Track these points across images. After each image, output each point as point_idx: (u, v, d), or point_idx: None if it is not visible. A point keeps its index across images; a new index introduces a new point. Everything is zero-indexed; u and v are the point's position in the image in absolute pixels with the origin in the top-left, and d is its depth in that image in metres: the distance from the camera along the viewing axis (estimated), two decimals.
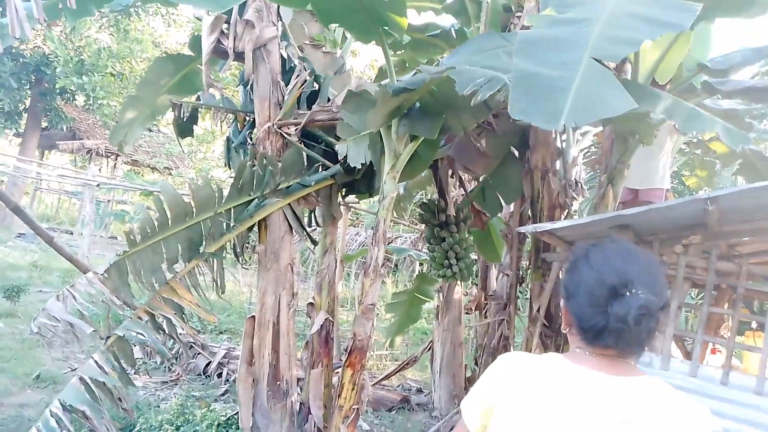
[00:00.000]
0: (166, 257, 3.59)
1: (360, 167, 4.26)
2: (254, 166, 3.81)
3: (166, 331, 3.67)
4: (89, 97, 15.31)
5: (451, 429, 5.25)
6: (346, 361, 4.14)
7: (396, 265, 14.42)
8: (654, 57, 4.26)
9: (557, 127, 2.25)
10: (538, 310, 4.92)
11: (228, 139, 4.43)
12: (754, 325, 6.05)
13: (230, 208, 3.82)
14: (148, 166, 21.57)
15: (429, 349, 6.44)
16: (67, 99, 17.20)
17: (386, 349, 8.12)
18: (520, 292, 6.28)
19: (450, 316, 6.10)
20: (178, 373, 6.02)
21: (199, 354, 6.48)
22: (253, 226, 4.07)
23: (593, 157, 6.69)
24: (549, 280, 4.83)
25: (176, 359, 6.38)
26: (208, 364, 6.33)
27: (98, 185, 13.88)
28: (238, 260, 3.96)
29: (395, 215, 8.55)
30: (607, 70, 2.51)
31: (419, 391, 7.06)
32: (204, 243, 3.72)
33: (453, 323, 6.10)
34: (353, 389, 4.14)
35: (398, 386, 7.30)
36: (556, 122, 2.22)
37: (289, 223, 4.08)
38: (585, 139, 6.74)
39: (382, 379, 6.70)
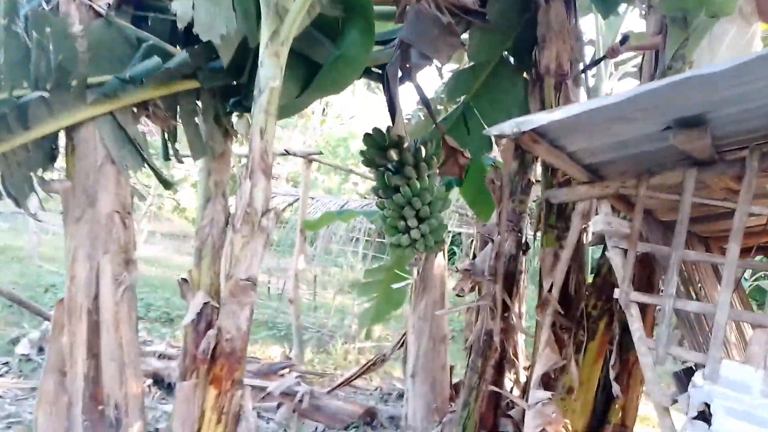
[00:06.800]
0: None
1: (242, 62, 2.63)
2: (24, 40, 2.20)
3: None
4: None
5: None
6: (208, 374, 2.54)
7: None
8: None
9: None
10: (550, 290, 3.24)
11: (14, 5, 2.78)
12: None
13: None
14: None
15: (402, 345, 4.78)
16: None
17: (367, 340, 6.51)
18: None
19: (428, 300, 4.40)
20: None
21: None
22: (54, 152, 2.48)
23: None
24: (567, 245, 3.13)
25: None
26: None
27: None
28: (18, 205, 2.37)
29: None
30: None
31: (401, 396, 5.43)
32: None
33: (432, 309, 4.39)
34: (220, 421, 2.54)
35: (376, 389, 5.69)
36: None
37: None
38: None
39: (339, 386, 5.05)
